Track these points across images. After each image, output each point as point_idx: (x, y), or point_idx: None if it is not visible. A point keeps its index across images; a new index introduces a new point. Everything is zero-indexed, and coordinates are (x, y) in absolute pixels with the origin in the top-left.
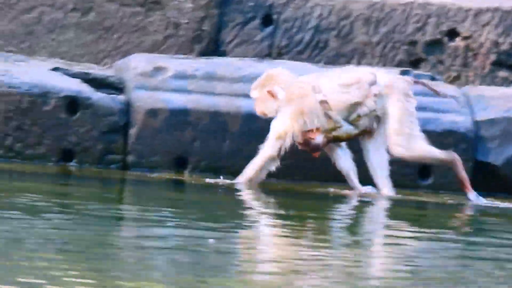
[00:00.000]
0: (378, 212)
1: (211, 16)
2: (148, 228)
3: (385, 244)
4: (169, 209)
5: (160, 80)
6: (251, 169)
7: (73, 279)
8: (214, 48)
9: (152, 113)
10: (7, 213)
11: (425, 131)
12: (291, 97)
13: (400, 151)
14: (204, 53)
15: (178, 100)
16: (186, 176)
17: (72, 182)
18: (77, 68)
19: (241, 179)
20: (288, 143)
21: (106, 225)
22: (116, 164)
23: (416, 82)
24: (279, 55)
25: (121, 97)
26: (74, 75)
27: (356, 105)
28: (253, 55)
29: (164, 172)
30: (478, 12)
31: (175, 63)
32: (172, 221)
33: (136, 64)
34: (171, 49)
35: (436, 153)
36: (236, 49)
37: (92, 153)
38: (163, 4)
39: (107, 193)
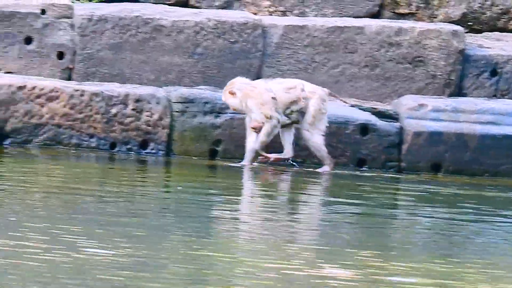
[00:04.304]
0: None
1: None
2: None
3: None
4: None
5: (422, 112)
6: (264, 136)
7: None
8: (458, 91)
9: (417, 134)
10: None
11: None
12: (247, 95)
13: (306, 135)
14: (452, 95)
15: (435, 126)
16: (440, 176)
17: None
18: (367, 105)
19: (258, 145)
20: (277, 117)
21: None
22: (393, 168)
23: (330, 94)
24: (502, 96)
25: (396, 124)
26: (365, 110)
27: (292, 103)
28: (484, 96)
29: (423, 174)
30: None
31: (432, 101)
32: None
33: (406, 102)
34: (430, 92)
35: (324, 150)
36: (474, 92)
37: (378, 161)
38: (425, 62)
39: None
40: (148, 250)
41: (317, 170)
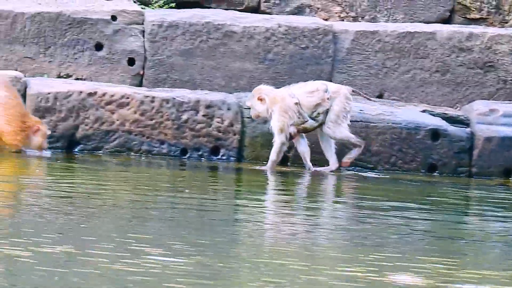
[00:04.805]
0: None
1: None
2: None
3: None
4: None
5: (493, 118)
6: (274, 155)
7: None
8: None
9: (488, 139)
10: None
11: None
12: (274, 101)
13: (329, 132)
14: None
15: (506, 131)
16: (511, 182)
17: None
18: (438, 110)
19: (269, 165)
20: (288, 132)
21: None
22: (464, 174)
23: (354, 92)
24: None
25: (467, 129)
26: (436, 115)
27: (317, 105)
28: None
29: (495, 179)
30: None
31: (503, 106)
32: None
33: (477, 107)
34: (500, 97)
35: (351, 136)
36: None
37: (449, 166)
38: (496, 67)
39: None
40: (216, 258)
41: (344, 160)
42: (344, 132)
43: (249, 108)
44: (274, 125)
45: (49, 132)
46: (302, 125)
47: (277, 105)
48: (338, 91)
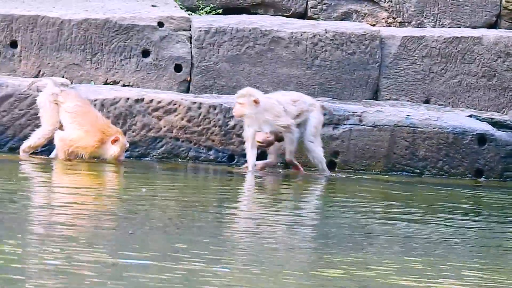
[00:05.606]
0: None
1: None
2: None
3: None
4: None
5: None
6: (291, 151)
7: None
8: None
9: None
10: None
11: None
12: (266, 105)
13: (310, 147)
14: None
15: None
16: None
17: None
18: (485, 115)
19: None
20: (294, 124)
21: None
22: (511, 178)
23: (322, 107)
24: None
25: None
26: (482, 120)
27: (298, 115)
28: None
29: None
30: None
31: None
32: None
33: None
34: None
35: (324, 161)
36: None
37: (495, 171)
38: None
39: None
40: (266, 267)
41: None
42: (321, 153)
43: (239, 103)
44: (282, 127)
45: (127, 145)
46: (281, 134)
47: (268, 112)
48: (314, 104)
